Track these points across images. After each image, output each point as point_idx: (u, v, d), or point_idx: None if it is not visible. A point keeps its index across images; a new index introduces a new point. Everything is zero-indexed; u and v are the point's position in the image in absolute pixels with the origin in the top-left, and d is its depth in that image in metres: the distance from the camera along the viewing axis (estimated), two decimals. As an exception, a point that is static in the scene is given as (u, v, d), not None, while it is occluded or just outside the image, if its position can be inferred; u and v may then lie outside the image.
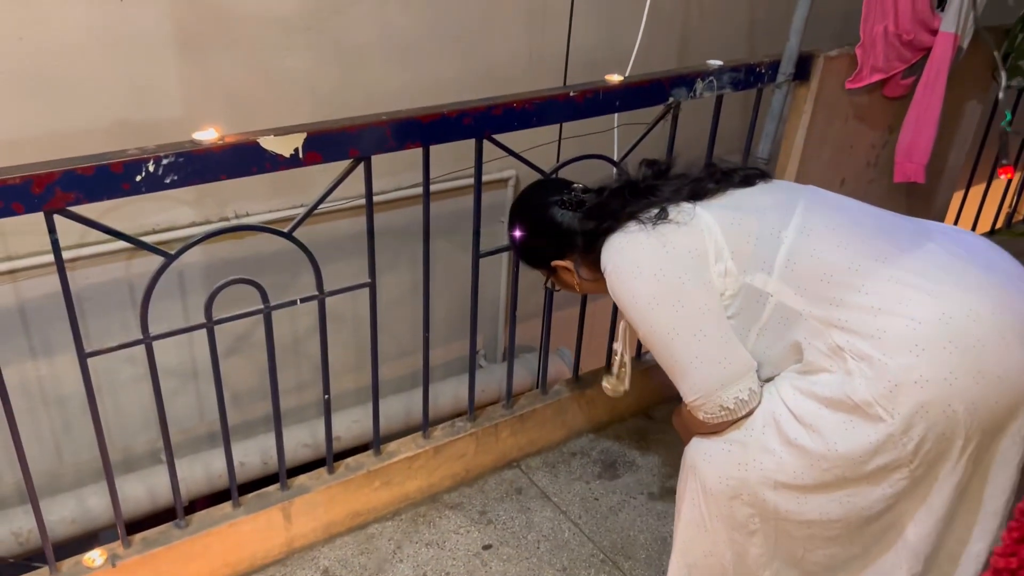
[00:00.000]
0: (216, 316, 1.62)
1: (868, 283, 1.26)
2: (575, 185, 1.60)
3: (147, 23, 1.98)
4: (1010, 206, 3.43)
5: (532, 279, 2.34)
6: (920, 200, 2.72)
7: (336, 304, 1.84)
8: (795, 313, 1.31)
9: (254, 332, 2.48)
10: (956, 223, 3.14)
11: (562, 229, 1.55)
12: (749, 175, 1.47)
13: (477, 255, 1.92)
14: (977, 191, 3.11)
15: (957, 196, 3.07)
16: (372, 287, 1.78)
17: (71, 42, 1.92)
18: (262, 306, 1.66)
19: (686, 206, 1.40)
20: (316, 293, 1.71)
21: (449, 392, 2.83)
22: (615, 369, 1.79)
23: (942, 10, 2.17)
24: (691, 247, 1.35)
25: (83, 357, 1.49)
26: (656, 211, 1.40)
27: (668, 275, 1.34)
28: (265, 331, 1.69)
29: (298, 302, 1.69)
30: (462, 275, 2.76)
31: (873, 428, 1.22)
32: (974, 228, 3.19)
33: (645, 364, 2.38)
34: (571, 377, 2.31)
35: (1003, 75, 2.49)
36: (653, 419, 2.39)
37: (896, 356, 1.20)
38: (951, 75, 2.22)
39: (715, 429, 1.39)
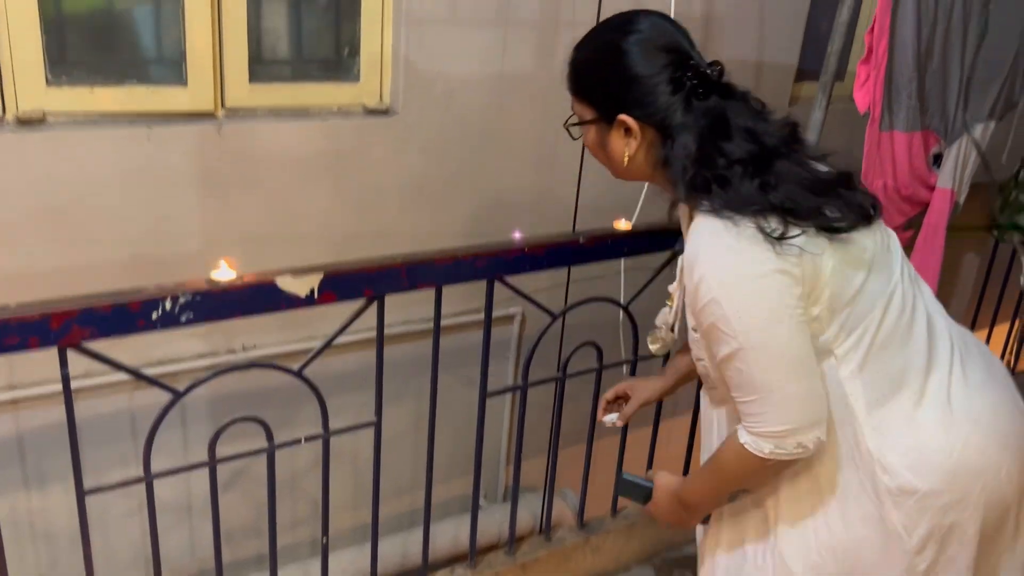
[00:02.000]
0: (217, 450, 1.59)
1: (910, 390, 1.28)
2: (711, 66, 1.29)
3: (173, 161, 2.05)
4: (1012, 353, 3.45)
5: (534, 419, 2.32)
6: (924, 348, 2.74)
7: (335, 439, 1.82)
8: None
9: (250, 467, 2.43)
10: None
11: (666, 114, 1.27)
12: (868, 213, 1.32)
13: (484, 395, 1.91)
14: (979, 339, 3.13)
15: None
16: (378, 426, 1.76)
17: (97, 178, 1.98)
18: (266, 445, 1.64)
19: (818, 239, 1.24)
20: (321, 432, 1.69)
21: (448, 533, 2.75)
22: (663, 333, 1.64)
23: (938, 167, 2.25)
24: (806, 278, 1.22)
25: (81, 496, 1.46)
26: (782, 229, 1.22)
27: (782, 299, 1.21)
28: (268, 473, 1.66)
29: (303, 441, 1.67)
30: (464, 412, 2.73)
31: (887, 541, 1.25)
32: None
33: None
34: (575, 522, 2.25)
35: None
36: (660, 570, 2.31)
37: (928, 477, 1.23)
38: (949, 228, 2.28)
39: (726, 486, 1.36)
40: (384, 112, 2.36)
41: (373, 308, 1.66)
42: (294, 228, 2.29)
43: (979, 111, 2.26)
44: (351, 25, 2.28)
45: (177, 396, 1.49)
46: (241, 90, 2.14)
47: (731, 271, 1.21)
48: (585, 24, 2.42)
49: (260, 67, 2.17)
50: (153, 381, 1.48)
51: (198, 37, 2.03)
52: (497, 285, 1.81)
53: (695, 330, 1.34)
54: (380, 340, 1.69)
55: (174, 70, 2.06)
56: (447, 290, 1.76)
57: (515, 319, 2.82)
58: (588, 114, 1.36)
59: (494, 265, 1.76)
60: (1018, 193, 2.61)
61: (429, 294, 1.75)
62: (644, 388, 1.72)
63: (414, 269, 1.65)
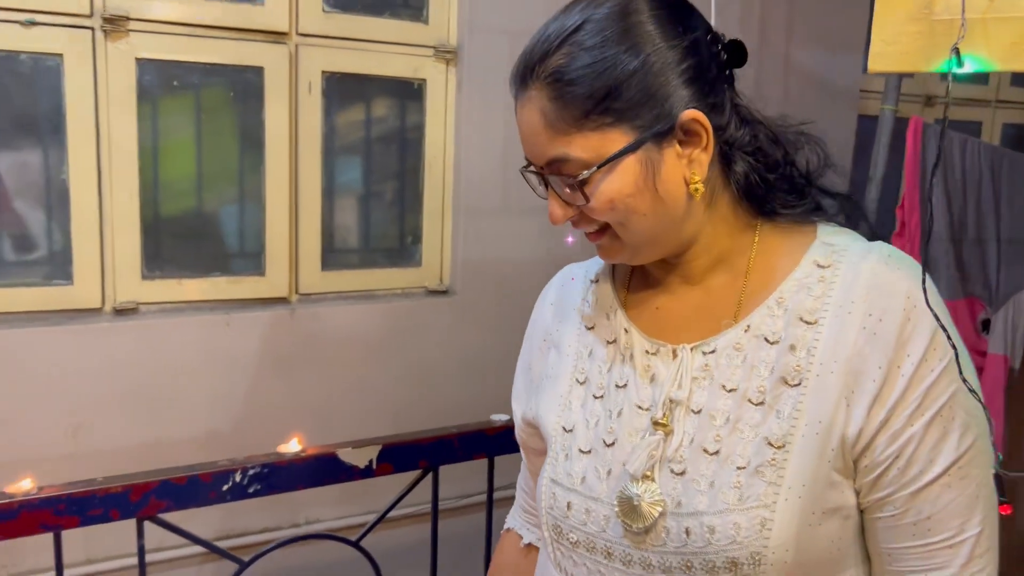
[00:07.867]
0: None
1: None
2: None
3: (249, 344, 2.22)
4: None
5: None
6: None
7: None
8: None
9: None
10: None
11: (724, 98, 0.86)
12: None
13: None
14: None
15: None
16: (433, 600, 1.78)
17: (180, 362, 2.15)
18: (324, 617, 1.67)
19: None
20: (378, 605, 1.72)
21: None
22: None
23: (987, 333, 2.27)
24: None
25: (146, 666, 1.51)
26: None
27: None
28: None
29: (360, 614, 1.70)
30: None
31: None
32: None
33: None
34: None
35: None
36: None
37: None
38: (1010, 395, 2.25)
39: None
40: (444, 292, 2.52)
41: (428, 481, 1.73)
42: (358, 402, 2.41)
43: (1022, 277, 2.30)
44: (414, 217, 2.50)
45: (243, 566, 1.56)
46: (313, 277, 2.33)
47: (949, 317, 0.82)
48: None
49: (331, 256, 2.38)
50: (221, 552, 1.55)
51: (277, 232, 2.26)
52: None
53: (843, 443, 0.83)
54: (435, 510, 1.75)
55: (254, 261, 2.27)
56: (503, 460, 1.82)
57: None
58: (621, 139, 0.81)
59: (545, 436, 1.82)
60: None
61: (484, 467, 1.81)
62: None
63: (467, 439, 1.73)
